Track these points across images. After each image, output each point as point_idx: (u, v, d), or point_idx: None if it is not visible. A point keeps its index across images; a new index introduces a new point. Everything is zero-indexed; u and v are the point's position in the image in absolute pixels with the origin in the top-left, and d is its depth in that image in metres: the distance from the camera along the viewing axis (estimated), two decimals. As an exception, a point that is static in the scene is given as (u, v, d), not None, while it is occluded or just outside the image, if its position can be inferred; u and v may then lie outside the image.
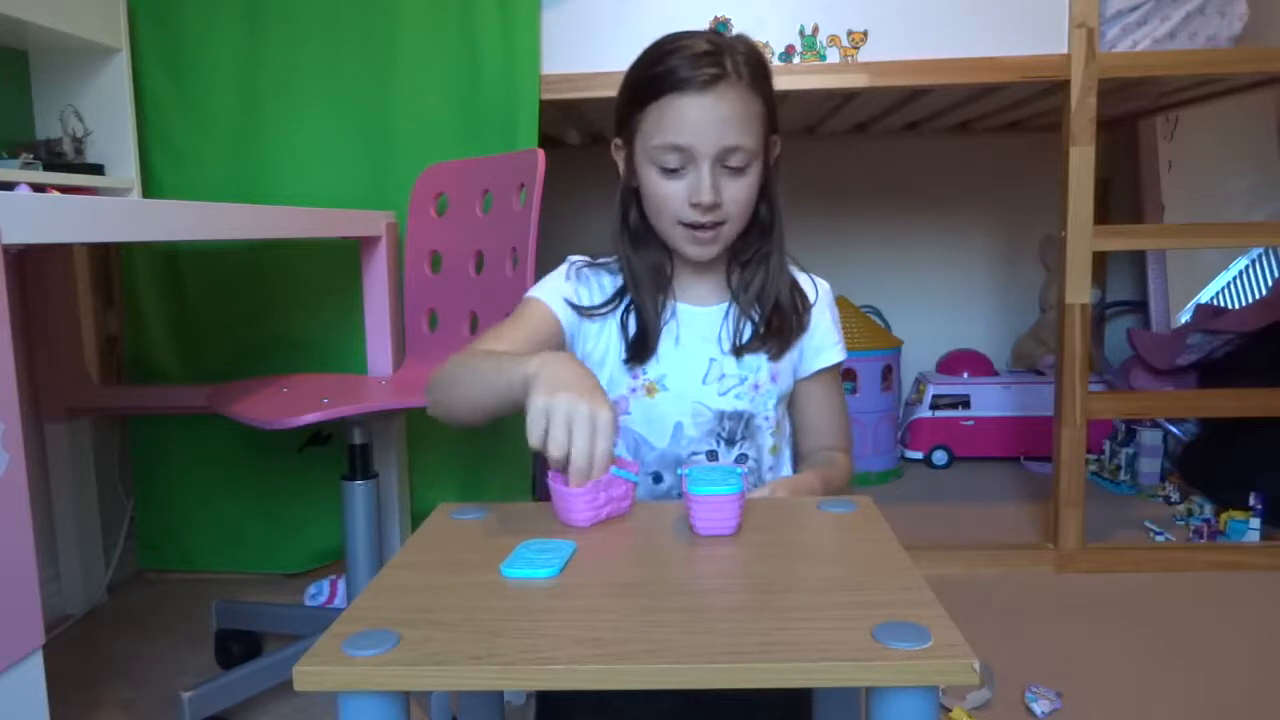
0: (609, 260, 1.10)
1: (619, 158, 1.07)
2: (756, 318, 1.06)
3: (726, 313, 1.07)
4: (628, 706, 0.87)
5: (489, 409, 0.89)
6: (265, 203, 1.90)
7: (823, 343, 1.09)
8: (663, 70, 0.97)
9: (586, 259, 1.11)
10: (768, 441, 1.08)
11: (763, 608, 0.63)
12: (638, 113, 0.99)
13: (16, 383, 0.92)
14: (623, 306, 1.07)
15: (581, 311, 1.06)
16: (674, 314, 1.07)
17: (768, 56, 1.89)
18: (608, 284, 1.09)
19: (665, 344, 1.06)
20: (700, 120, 0.95)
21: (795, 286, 1.08)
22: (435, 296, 1.77)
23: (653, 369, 1.05)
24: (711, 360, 1.06)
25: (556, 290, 1.07)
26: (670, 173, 0.98)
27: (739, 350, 1.05)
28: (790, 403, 1.12)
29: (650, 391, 1.05)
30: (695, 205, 0.98)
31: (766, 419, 1.07)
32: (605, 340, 1.07)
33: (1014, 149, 3.02)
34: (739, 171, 0.99)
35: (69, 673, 1.65)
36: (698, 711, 0.87)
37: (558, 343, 1.05)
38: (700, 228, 1.00)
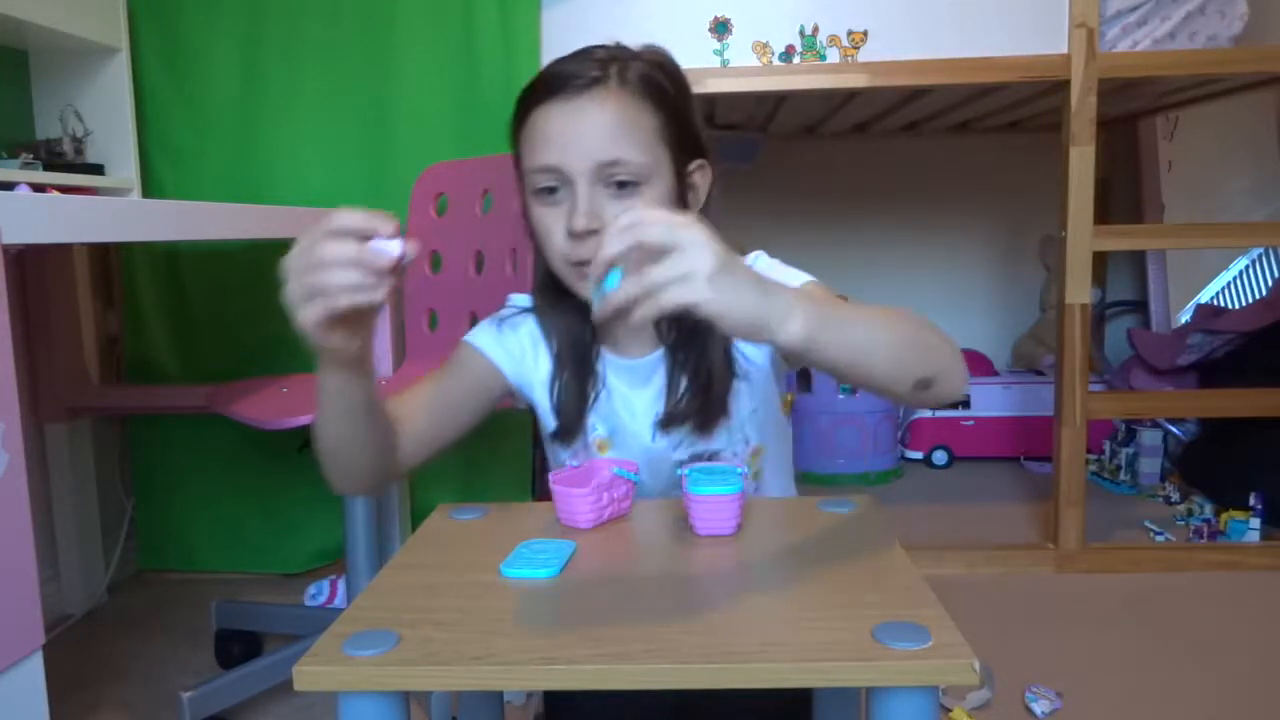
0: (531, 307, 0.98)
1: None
2: (684, 385, 0.91)
3: (661, 363, 0.93)
4: (629, 706, 0.87)
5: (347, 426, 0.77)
6: (265, 203, 1.90)
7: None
8: (537, 81, 0.85)
9: (516, 308, 0.99)
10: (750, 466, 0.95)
11: (763, 608, 0.63)
12: (516, 140, 0.87)
13: (16, 383, 0.92)
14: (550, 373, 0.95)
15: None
16: (604, 366, 0.94)
17: (768, 58, 1.90)
18: (524, 337, 0.96)
19: (600, 400, 0.94)
20: (569, 131, 0.83)
21: (728, 352, 0.92)
22: (435, 296, 1.77)
23: (600, 426, 0.94)
24: (657, 413, 0.93)
25: (493, 337, 0.95)
26: (547, 198, 0.85)
27: (663, 424, 0.91)
28: None
29: (602, 448, 0.94)
30: (572, 234, 0.83)
31: (735, 454, 0.94)
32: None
33: (1014, 149, 3.02)
34: (628, 190, 0.84)
35: (69, 673, 1.65)
36: (697, 711, 0.87)
37: (499, 395, 0.95)
38: (586, 263, 0.81)
